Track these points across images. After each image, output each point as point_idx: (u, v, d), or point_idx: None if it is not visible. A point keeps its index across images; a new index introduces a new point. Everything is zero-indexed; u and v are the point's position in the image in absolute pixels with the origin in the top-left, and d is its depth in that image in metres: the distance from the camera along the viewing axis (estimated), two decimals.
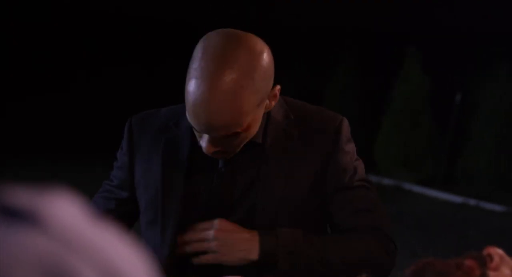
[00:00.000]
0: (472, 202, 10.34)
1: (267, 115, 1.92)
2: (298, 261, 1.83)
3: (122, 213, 2.07)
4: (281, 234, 1.85)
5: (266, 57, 1.83)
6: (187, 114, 1.78)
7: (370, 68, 13.04)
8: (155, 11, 15.82)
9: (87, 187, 8.36)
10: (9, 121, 13.72)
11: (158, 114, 2.04)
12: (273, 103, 1.90)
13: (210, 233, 1.83)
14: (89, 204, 2.06)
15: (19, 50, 15.54)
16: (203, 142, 1.81)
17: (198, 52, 1.77)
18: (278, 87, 1.88)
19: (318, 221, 2.00)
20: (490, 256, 1.23)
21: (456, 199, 10.55)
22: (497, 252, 1.24)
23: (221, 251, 1.82)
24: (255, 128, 1.87)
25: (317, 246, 1.87)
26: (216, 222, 1.85)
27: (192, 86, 1.73)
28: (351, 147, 2.03)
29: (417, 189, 11.19)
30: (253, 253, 1.82)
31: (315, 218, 1.98)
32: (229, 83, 1.72)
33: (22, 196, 0.55)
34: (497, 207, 10.03)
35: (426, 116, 11.63)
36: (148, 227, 2.00)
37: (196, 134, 1.84)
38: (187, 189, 1.94)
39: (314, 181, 1.94)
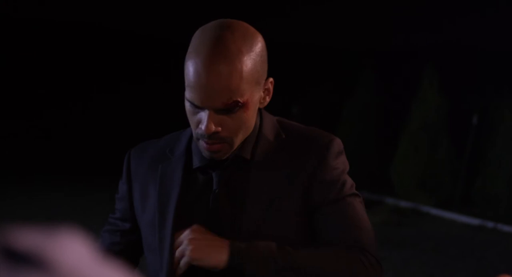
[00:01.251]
0: (489, 224, 10.28)
1: (258, 133, 1.95)
2: (267, 268, 1.83)
3: (128, 245, 2.08)
4: (254, 242, 1.86)
5: (261, 39, 1.90)
6: (187, 92, 1.81)
7: (388, 88, 13.04)
8: (175, 34, 15.94)
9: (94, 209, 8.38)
10: (11, 141, 13.83)
11: (157, 142, 2.08)
12: (267, 99, 1.93)
13: (185, 241, 1.85)
14: (96, 240, 2.08)
15: (23, 69, 15.62)
16: (203, 123, 1.81)
17: (194, 38, 1.84)
18: (271, 79, 1.93)
19: (305, 236, 1.97)
20: None
21: (474, 221, 10.49)
22: None
23: (195, 256, 1.83)
24: (252, 115, 1.89)
25: (291, 255, 1.85)
26: (190, 230, 1.86)
27: (191, 58, 1.79)
28: (340, 163, 1.99)
29: (435, 211, 11.14)
30: (223, 257, 1.83)
31: (304, 233, 1.95)
32: (229, 47, 1.78)
33: (28, 238, 0.55)
34: None
35: (443, 137, 11.59)
36: (148, 253, 2.02)
37: (193, 121, 1.84)
38: (184, 213, 1.94)
39: (302, 196, 1.92)
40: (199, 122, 1.84)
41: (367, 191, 11.97)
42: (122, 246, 2.07)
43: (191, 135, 1.97)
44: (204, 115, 1.82)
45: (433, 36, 14.17)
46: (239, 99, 1.81)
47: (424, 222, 10.59)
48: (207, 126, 1.81)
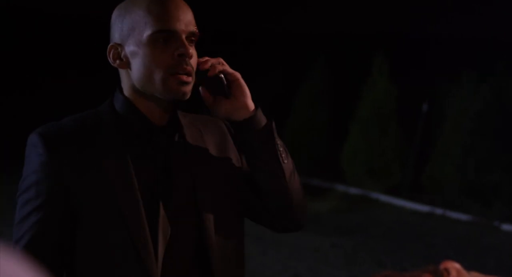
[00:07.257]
0: (438, 211, 10.40)
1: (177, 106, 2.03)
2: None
3: (63, 233, 1.86)
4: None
5: None
6: (153, 26, 1.87)
7: (339, 75, 13.06)
8: None
9: None
10: None
11: (65, 125, 1.92)
12: None
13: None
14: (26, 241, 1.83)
15: None
16: (180, 46, 1.87)
17: None
18: None
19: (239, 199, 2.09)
20: (447, 271, 1.22)
21: (423, 208, 10.60)
22: (454, 266, 1.23)
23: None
24: (195, 61, 1.94)
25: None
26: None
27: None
28: None
29: (384, 198, 11.23)
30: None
31: (239, 196, 2.07)
32: None
33: None
34: (463, 216, 10.10)
35: (393, 125, 11.67)
36: (101, 231, 1.84)
37: (165, 55, 1.87)
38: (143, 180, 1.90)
39: (235, 162, 2.06)
40: (173, 51, 1.87)
41: (317, 178, 12.02)
42: (57, 236, 1.85)
43: (113, 112, 1.94)
44: (178, 40, 1.87)
45: (384, 24, 14.26)
46: (197, 31, 1.91)
47: (374, 209, 10.66)
48: (186, 47, 1.86)
